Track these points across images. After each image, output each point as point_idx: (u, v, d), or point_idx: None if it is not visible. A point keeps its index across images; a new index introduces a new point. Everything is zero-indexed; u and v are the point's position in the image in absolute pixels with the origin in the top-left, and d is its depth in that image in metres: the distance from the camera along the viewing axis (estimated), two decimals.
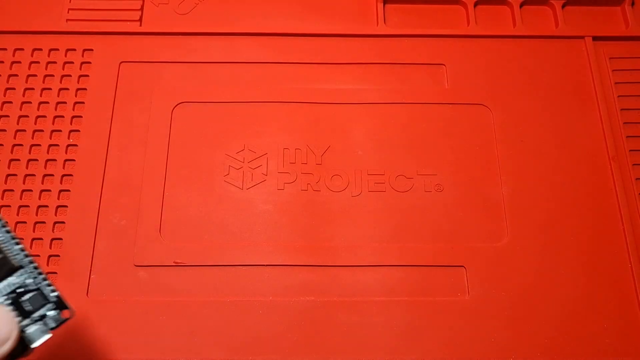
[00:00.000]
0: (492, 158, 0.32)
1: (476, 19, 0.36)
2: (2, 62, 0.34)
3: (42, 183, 0.31)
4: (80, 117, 0.33)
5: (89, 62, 0.34)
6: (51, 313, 0.20)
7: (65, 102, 0.33)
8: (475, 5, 0.37)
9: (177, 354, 0.27)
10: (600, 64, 0.35)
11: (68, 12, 0.35)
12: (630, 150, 0.32)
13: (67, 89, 0.33)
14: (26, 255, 0.20)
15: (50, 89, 0.33)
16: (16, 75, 0.34)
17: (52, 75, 0.34)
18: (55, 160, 0.32)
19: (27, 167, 0.31)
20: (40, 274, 0.20)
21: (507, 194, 0.31)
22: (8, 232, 0.20)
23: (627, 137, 0.33)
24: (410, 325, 0.28)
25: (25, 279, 0.20)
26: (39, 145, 0.32)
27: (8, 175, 0.31)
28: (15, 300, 0.19)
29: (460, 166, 0.32)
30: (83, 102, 0.33)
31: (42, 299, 0.20)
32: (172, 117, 0.33)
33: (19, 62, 0.34)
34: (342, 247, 0.30)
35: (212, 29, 0.35)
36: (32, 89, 0.33)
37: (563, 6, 0.37)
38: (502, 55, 0.35)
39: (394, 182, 0.31)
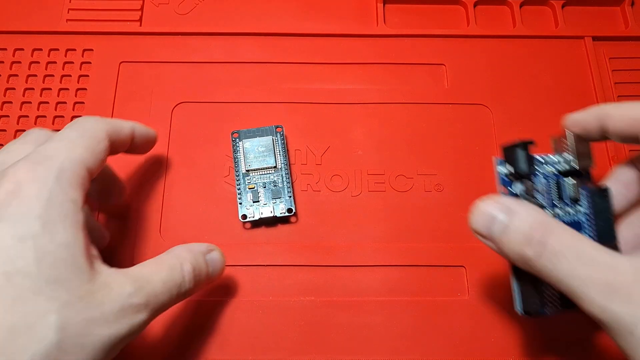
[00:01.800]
0: (492, 158, 0.32)
1: (476, 19, 0.36)
2: (2, 62, 0.34)
3: None
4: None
5: (89, 62, 0.34)
6: (280, 206, 0.29)
7: (65, 102, 0.33)
8: (475, 5, 0.37)
9: (176, 354, 0.27)
10: (600, 64, 0.35)
11: (68, 12, 0.35)
12: (630, 150, 0.32)
13: (67, 89, 0.33)
14: (286, 165, 0.30)
15: (50, 89, 0.33)
16: (16, 75, 0.34)
17: (52, 75, 0.34)
18: None
19: None
20: (289, 183, 0.30)
21: None
22: (285, 154, 0.31)
23: None
24: (410, 325, 0.28)
25: (278, 178, 0.30)
26: None
27: None
28: (266, 185, 0.30)
29: (460, 166, 0.32)
30: (83, 102, 0.33)
31: (279, 195, 0.30)
32: (172, 117, 0.33)
33: (19, 62, 0.34)
34: (342, 247, 0.30)
35: (212, 29, 0.35)
36: (32, 89, 0.33)
37: (563, 6, 0.37)
38: (502, 55, 0.35)
39: (394, 182, 0.31)
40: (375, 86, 0.34)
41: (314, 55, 0.35)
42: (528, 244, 0.21)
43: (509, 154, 0.24)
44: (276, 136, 0.31)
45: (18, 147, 0.23)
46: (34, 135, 0.24)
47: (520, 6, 0.37)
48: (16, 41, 0.35)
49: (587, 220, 0.24)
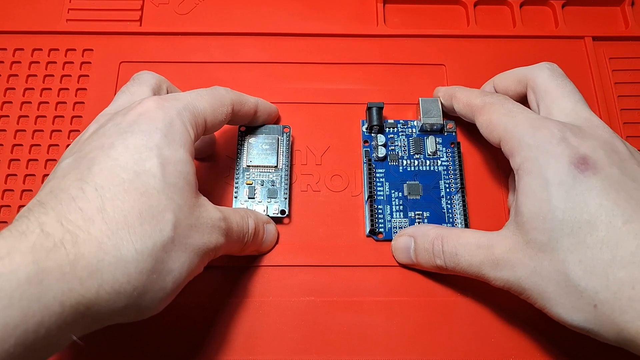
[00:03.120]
0: (490, 157, 0.32)
1: (476, 19, 0.36)
2: (2, 62, 0.34)
3: (42, 183, 0.31)
4: (81, 117, 0.33)
5: (89, 62, 0.34)
6: (274, 206, 0.29)
7: (65, 102, 0.33)
8: (475, 5, 0.37)
9: (177, 354, 0.27)
10: (600, 64, 0.35)
11: (68, 12, 0.35)
12: None
13: (67, 89, 0.33)
14: (287, 166, 0.30)
15: (50, 89, 0.33)
16: (16, 75, 0.34)
17: (52, 75, 0.34)
18: (55, 160, 0.32)
19: (27, 167, 0.31)
20: (287, 184, 0.30)
21: (507, 193, 0.31)
22: (289, 155, 0.31)
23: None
24: (410, 325, 0.28)
25: (277, 178, 0.30)
26: (39, 145, 0.32)
27: (8, 175, 0.31)
28: (264, 183, 0.30)
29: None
30: (83, 102, 0.33)
31: (275, 195, 0.30)
32: None
33: (19, 62, 0.34)
34: (342, 247, 0.30)
35: (212, 29, 0.35)
36: (32, 89, 0.33)
37: (563, 6, 0.37)
38: (502, 55, 0.35)
39: None
40: (375, 86, 0.34)
41: (314, 55, 0.35)
42: (436, 257, 0.26)
43: (367, 114, 0.31)
44: (282, 136, 0.31)
45: (137, 89, 0.26)
46: (144, 77, 0.27)
47: (520, 6, 0.37)
48: (16, 41, 0.35)
49: (445, 170, 0.31)
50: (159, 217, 0.20)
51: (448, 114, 0.32)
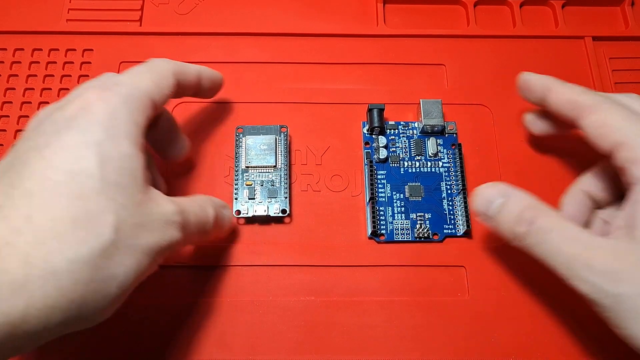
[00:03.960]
0: (492, 158, 0.32)
1: (476, 19, 0.36)
2: (2, 62, 0.34)
3: None
4: None
5: (89, 62, 0.34)
6: (275, 206, 0.29)
7: None
8: (475, 5, 0.37)
9: (177, 354, 0.27)
10: (600, 64, 0.35)
11: (68, 12, 0.35)
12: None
13: (67, 89, 0.33)
14: (286, 165, 0.30)
15: (50, 89, 0.33)
16: (16, 75, 0.34)
17: (52, 75, 0.34)
18: None
19: None
20: (286, 184, 0.30)
21: None
22: (287, 155, 0.31)
23: None
24: (410, 325, 0.28)
25: (276, 178, 0.30)
26: None
27: None
28: (264, 183, 0.30)
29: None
30: None
31: (275, 194, 0.30)
32: None
33: (19, 62, 0.34)
34: (342, 247, 0.30)
35: (212, 29, 0.35)
36: (32, 89, 0.33)
37: (563, 6, 0.37)
38: (502, 55, 0.35)
39: None
40: (375, 86, 0.34)
41: (314, 55, 0.35)
42: (519, 224, 0.23)
43: (368, 116, 0.32)
44: (280, 136, 0.31)
45: (92, 83, 0.24)
46: (106, 76, 0.25)
47: (520, 6, 0.37)
48: (16, 41, 0.35)
49: (447, 171, 0.31)
50: (96, 220, 0.19)
51: (532, 102, 0.29)
